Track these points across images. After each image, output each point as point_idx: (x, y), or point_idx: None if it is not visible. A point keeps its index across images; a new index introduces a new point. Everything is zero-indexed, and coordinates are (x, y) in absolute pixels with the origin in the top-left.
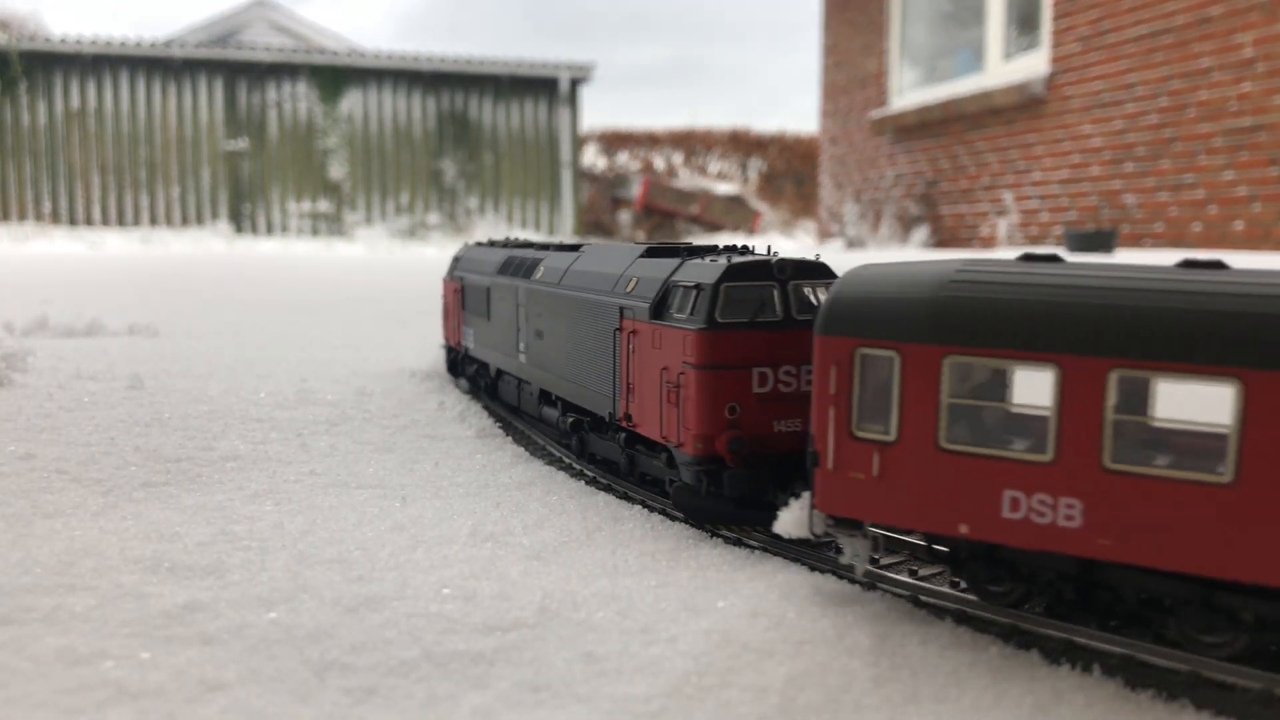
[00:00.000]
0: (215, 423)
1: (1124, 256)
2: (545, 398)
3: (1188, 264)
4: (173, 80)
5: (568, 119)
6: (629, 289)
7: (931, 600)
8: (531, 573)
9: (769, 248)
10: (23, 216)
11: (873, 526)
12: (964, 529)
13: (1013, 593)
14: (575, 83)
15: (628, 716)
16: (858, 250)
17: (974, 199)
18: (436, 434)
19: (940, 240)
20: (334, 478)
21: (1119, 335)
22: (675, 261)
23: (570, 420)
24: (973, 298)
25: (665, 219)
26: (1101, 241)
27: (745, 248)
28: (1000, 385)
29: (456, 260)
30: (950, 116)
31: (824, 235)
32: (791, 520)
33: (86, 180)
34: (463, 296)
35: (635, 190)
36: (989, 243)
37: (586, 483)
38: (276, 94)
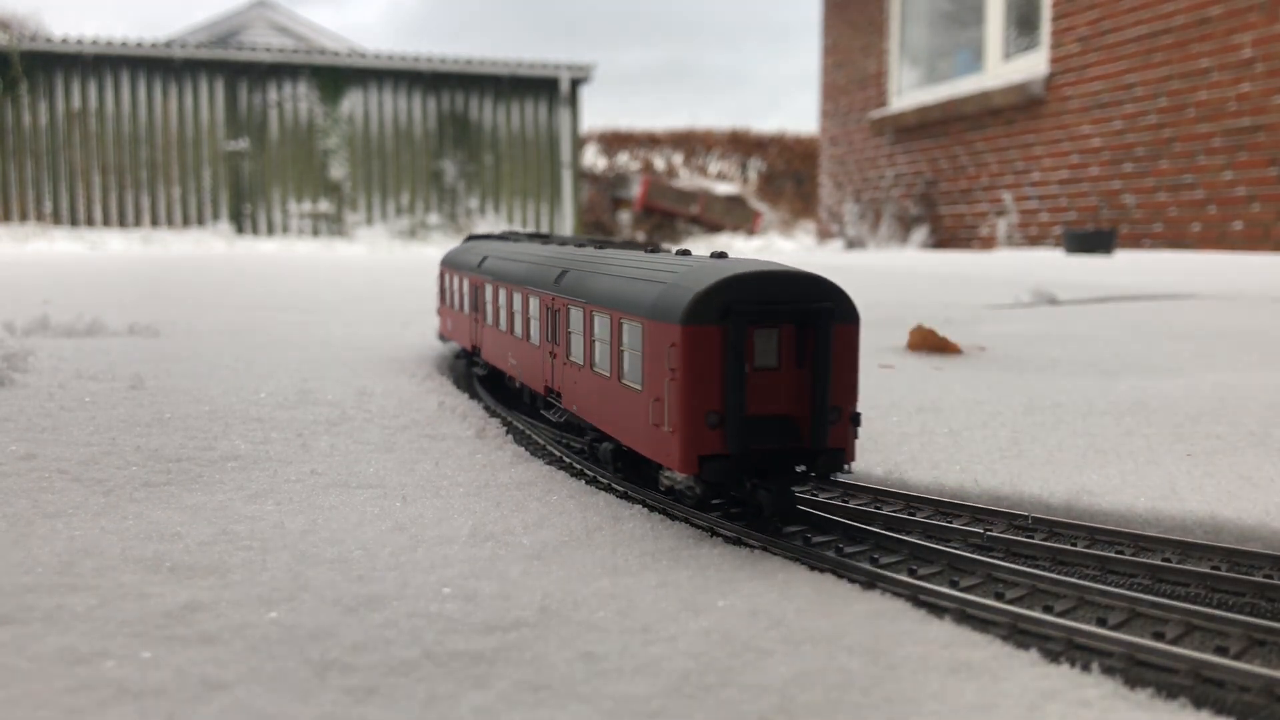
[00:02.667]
0: (216, 423)
1: (1120, 256)
2: None
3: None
4: (173, 81)
5: (568, 119)
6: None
7: (930, 600)
8: (532, 572)
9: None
10: (24, 217)
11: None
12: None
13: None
14: (575, 83)
15: (629, 715)
16: (857, 250)
17: (973, 199)
18: (437, 434)
19: (940, 240)
20: (335, 477)
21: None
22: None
23: None
24: (461, 251)
25: (665, 219)
26: (1101, 241)
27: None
28: (459, 285)
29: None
30: (950, 117)
31: (824, 235)
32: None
33: (87, 181)
34: None
35: (635, 190)
36: (989, 243)
37: (587, 482)
38: (277, 94)
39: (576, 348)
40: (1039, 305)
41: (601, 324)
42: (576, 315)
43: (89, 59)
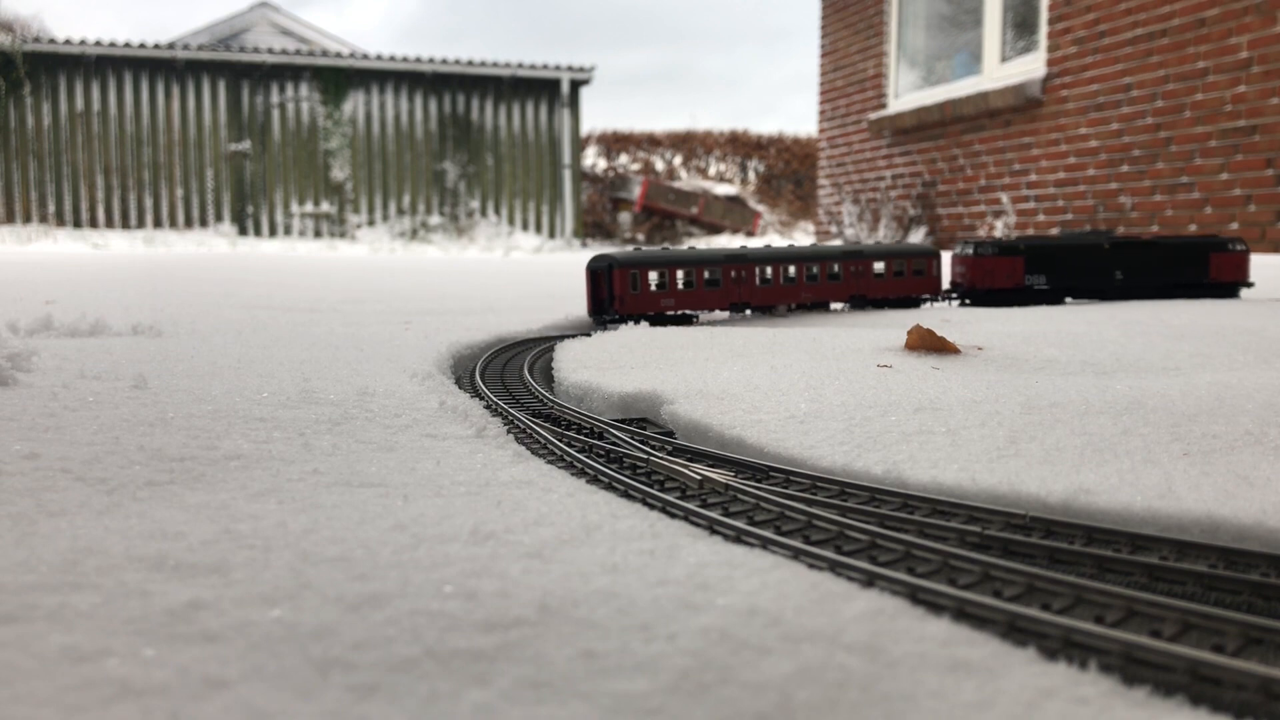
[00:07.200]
0: (219, 422)
1: None
2: None
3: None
4: (176, 82)
5: (568, 121)
6: None
7: (929, 598)
8: (532, 571)
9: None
10: (27, 218)
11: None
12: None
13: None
14: (575, 85)
15: (628, 713)
16: None
17: (971, 200)
18: (438, 433)
19: (938, 241)
20: (336, 476)
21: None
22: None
23: None
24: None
25: (665, 219)
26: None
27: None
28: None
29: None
30: (948, 118)
31: (822, 235)
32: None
33: (90, 182)
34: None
35: (635, 191)
36: None
37: (587, 480)
38: (280, 96)
39: None
40: (1036, 305)
41: None
42: None
43: (92, 60)
